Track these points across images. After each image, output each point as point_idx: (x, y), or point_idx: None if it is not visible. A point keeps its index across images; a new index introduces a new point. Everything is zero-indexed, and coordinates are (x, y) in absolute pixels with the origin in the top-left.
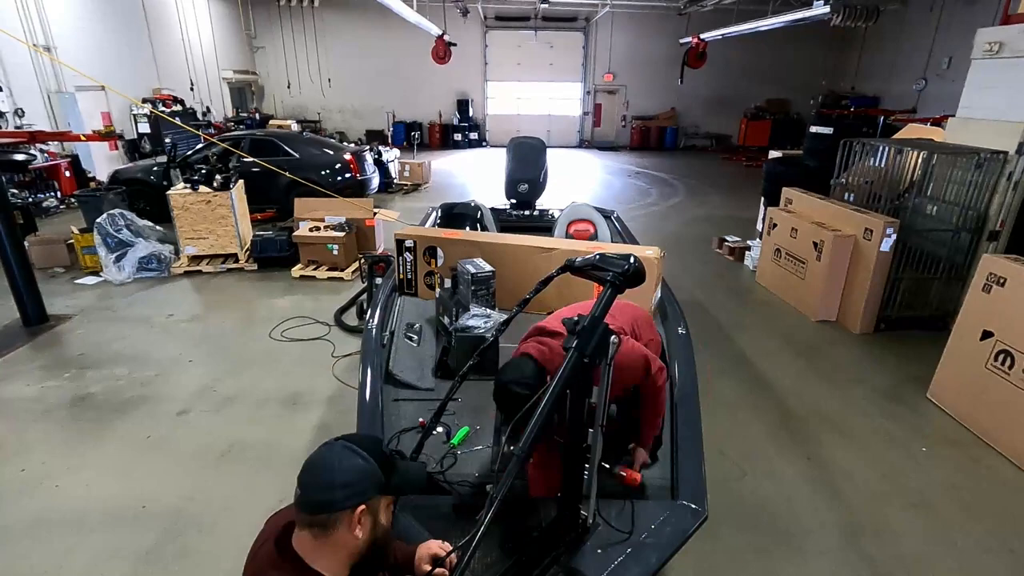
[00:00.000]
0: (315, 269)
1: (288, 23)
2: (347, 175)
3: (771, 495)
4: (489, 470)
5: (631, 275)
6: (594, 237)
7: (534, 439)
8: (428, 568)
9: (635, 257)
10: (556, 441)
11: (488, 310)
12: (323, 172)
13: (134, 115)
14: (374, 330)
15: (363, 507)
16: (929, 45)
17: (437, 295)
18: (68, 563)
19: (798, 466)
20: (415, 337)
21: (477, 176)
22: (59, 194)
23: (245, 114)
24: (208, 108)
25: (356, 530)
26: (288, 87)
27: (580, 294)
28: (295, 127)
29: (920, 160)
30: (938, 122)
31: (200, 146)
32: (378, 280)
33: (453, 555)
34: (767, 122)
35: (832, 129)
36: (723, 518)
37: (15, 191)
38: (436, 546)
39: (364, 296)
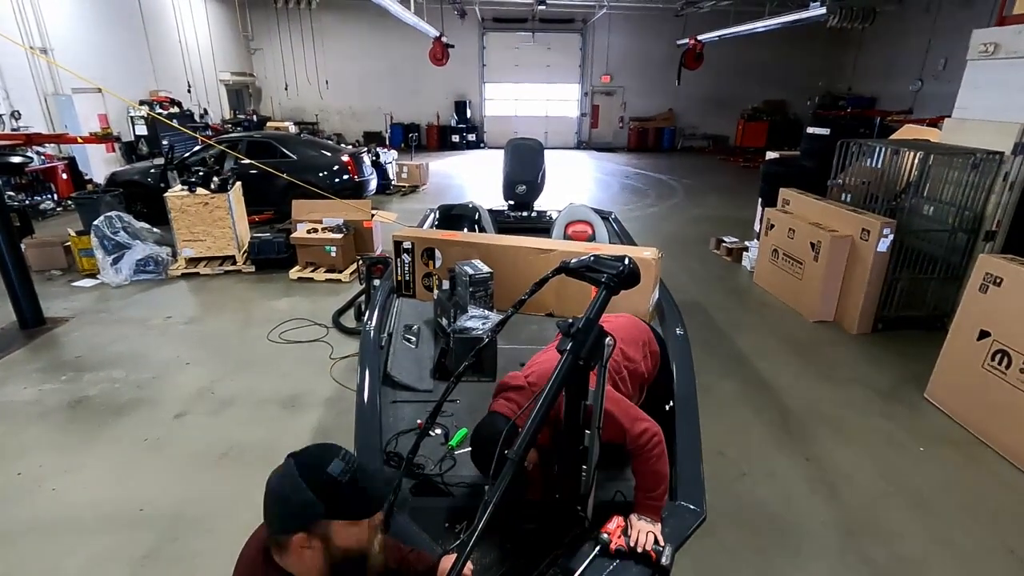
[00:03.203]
0: (313, 271)
1: (285, 25)
2: (345, 177)
3: (770, 495)
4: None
5: (625, 277)
6: (592, 238)
7: (529, 443)
8: None
9: (629, 259)
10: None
11: (486, 311)
12: (321, 174)
13: (131, 117)
14: (372, 332)
15: (302, 534)
16: (925, 46)
17: (435, 296)
18: (65, 566)
19: (797, 466)
20: (413, 339)
21: (475, 177)
22: (56, 196)
23: (242, 116)
24: (205, 110)
25: (304, 555)
26: (285, 89)
27: (577, 294)
28: (293, 129)
29: (916, 161)
30: (934, 123)
31: (197, 148)
32: (376, 282)
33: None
34: (764, 123)
35: (829, 130)
36: (722, 518)
37: (12, 193)
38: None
39: (362, 298)
